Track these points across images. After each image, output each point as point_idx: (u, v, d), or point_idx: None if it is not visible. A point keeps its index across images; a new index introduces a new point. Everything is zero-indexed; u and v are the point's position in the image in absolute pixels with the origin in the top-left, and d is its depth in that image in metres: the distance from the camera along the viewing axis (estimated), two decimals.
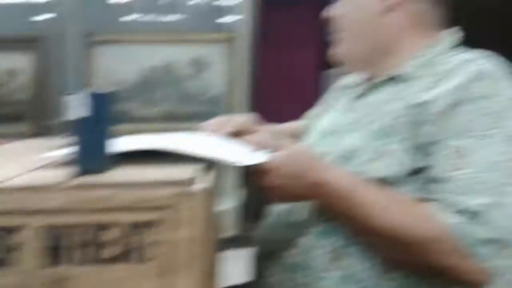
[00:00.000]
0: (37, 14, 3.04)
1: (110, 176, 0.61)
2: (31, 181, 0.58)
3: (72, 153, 0.61)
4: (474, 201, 0.72)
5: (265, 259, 0.93)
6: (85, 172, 0.60)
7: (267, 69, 3.43)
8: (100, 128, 0.61)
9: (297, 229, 0.88)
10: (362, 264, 0.81)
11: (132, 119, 2.76)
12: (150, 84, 2.86)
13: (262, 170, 0.76)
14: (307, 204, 0.86)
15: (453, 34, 0.95)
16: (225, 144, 0.84)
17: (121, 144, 0.69)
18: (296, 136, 1.15)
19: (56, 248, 0.55)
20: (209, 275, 0.66)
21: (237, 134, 0.95)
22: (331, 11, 0.98)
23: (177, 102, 2.91)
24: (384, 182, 0.80)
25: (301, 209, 0.88)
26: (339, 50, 0.98)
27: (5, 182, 0.58)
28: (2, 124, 2.70)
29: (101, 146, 0.61)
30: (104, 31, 2.95)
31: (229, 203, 1.08)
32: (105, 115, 0.61)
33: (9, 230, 0.54)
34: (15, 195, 0.54)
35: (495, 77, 0.81)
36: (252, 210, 1.07)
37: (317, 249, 0.84)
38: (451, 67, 0.85)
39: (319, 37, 1.03)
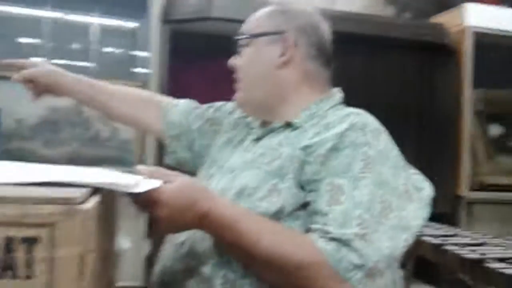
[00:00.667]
0: None
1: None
2: None
3: None
4: (345, 231, 0.81)
5: (166, 285, 0.94)
6: None
7: None
8: None
9: (197, 259, 0.91)
10: None
11: (34, 159, 2.66)
12: (54, 124, 2.80)
13: (152, 200, 0.79)
14: (205, 236, 0.90)
15: (339, 92, 1.07)
16: (116, 175, 0.86)
17: (7, 171, 0.70)
18: (107, 100, 1.22)
19: None
20: None
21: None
22: (234, 61, 1.07)
23: (83, 144, 2.85)
24: (275, 217, 0.87)
25: (201, 240, 0.92)
26: (238, 96, 1.07)
27: None
28: None
29: None
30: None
31: (127, 244, 1.08)
32: None
33: None
34: None
35: (373, 129, 0.93)
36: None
37: (215, 279, 0.88)
38: (338, 118, 0.96)
39: (231, 91, 1.09)
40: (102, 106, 1.23)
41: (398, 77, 3.63)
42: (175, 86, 3.53)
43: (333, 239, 0.81)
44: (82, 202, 0.61)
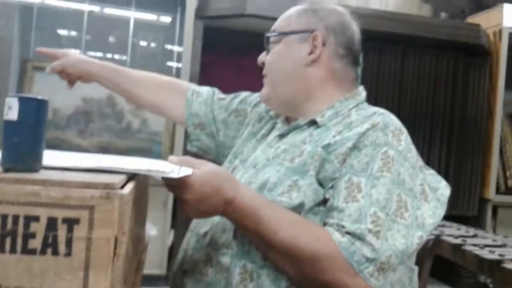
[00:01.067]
0: None
1: (39, 174, 0.65)
2: None
3: (2, 152, 0.66)
4: (359, 226, 0.83)
5: (186, 277, 0.98)
6: (12, 170, 0.65)
7: None
8: (27, 131, 0.66)
9: (217, 249, 0.94)
10: (270, 287, 0.89)
11: (68, 149, 2.75)
12: (89, 115, 2.88)
13: (182, 184, 0.82)
14: (227, 227, 0.94)
15: (363, 91, 1.09)
16: (151, 162, 0.90)
17: (52, 158, 0.74)
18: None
19: None
20: (125, 281, 0.70)
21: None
22: (263, 58, 1.09)
23: (115, 135, 2.92)
24: (295, 211, 0.90)
25: (222, 231, 0.95)
26: (265, 92, 1.09)
27: None
28: None
29: (27, 147, 0.66)
30: (47, 59, 2.95)
31: (154, 232, 1.11)
32: (32, 119, 0.66)
33: None
34: None
35: (394, 129, 0.94)
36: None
37: (234, 268, 0.90)
38: (360, 118, 0.98)
39: (260, 86, 1.12)
40: (127, 92, 1.28)
41: (430, 78, 3.60)
42: (206, 81, 3.58)
43: (347, 233, 0.84)
44: (120, 188, 0.65)
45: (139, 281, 0.92)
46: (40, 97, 0.68)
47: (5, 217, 0.61)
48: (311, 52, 1.03)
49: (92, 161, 0.77)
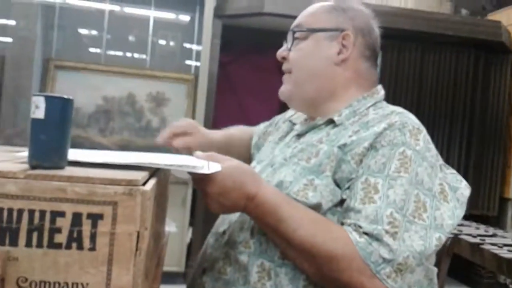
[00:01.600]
0: (1, 35, 3.09)
1: (65, 171, 0.67)
2: None
3: (29, 150, 0.68)
4: (376, 226, 0.83)
5: (205, 275, 0.99)
6: (39, 167, 0.66)
7: (226, 110, 3.55)
8: (53, 129, 0.67)
9: (235, 248, 0.94)
10: (288, 285, 0.89)
11: (89, 146, 2.79)
12: (109, 113, 2.92)
13: (206, 177, 0.82)
14: (245, 225, 0.94)
15: (381, 90, 1.09)
16: (180, 158, 0.90)
17: (79, 154, 0.76)
18: (228, 143, 1.28)
19: (12, 230, 0.61)
20: (146, 275, 0.72)
21: (178, 134, 1.20)
22: (283, 51, 1.07)
23: (135, 133, 2.96)
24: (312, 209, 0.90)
25: (240, 230, 0.96)
26: (287, 89, 1.07)
27: None
28: None
29: (54, 145, 0.67)
30: (69, 58, 3.02)
31: (174, 228, 1.13)
32: (59, 117, 0.68)
33: None
34: None
35: (412, 129, 0.93)
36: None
37: (252, 267, 0.91)
38: (378, 117, 0.97)
39: (278, 85, 1.11)
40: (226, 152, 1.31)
41: (450, 75, 3.56)
42: (225, 79, 3.60)
43: (364, 233, 0.83)
44: (143, 184, 0.67)
45: (160, 276, 0.93)
46: (65, 96, 0.69)
47: (32, 212, 0.63)
48: (341, 52, 1.02)
49: (122, 158, 0.79)
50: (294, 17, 1.09)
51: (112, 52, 3.23)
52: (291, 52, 1.05)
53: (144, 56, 3.33)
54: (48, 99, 0.67)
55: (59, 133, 0.69)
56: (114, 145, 2.90)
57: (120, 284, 0.64)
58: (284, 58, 1.06)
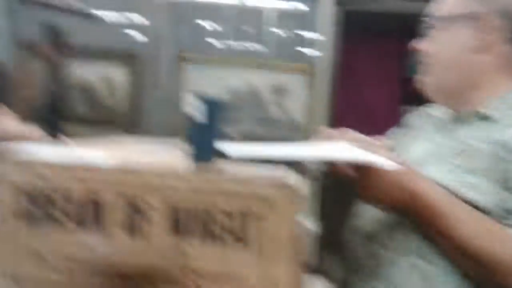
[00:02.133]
0: (134, 33, 3.31)
1: (229, 170, 0.70)
2: (159, 166, 0.69)
3: (188, 151, 0.71)
4: None
5: (352, 274, 0.98)
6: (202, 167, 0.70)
7: (346, 100, 3.50)
8: (212, 132, 0.70)
9: (375, 242, 0.93)
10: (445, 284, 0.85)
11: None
12: (233, 105, 3.02)
13: (372, 168, 0.80)
14: (390, 222, 0.91)
15: None
16: (334, 148, 0.88)
17: (237, 150, 0.77)
18: None
19: (181, 226, 0.66)
20: (298, 271, 0.73)
21: None
22: (422, 44, 1.04)
23: (257, 124, 3.04)
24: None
25: (384, 227, 0.93)
26: (427, 81, 1.03)
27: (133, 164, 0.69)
28: (90, 125, 2.93)
29: (212, 147, 0.71)
30: (194, 52, 3.16)
31: (313, 224, 1.14)
32: (215, 119, 0.70)
33: (137, 208, 0.65)
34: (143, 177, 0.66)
35: None
36: (325, 240, 1.12)
37: (397, 262, 0.89)
38: None
39: (399, 72, 1.07)
40: None
41: None
42: (345, 67, 3.54)
43: None
44: (294, 180, 0.68)
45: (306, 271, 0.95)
46: (219, 99, 0.72)
47: (200, 209, 0.68)
48: (479, 38, 0.95)
49: (284, 151, 0.80)
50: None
51: (230, 42, 3.31)
52: (427, 43, 1.03)
53: (260, 47, 3.38)
54: (206, 101, 0.70)
55: (217, 134, 0.72)
56: (239, 136, 3.01)
57: (278, 276, 0.67)
58: (419, 49, 1.04)
